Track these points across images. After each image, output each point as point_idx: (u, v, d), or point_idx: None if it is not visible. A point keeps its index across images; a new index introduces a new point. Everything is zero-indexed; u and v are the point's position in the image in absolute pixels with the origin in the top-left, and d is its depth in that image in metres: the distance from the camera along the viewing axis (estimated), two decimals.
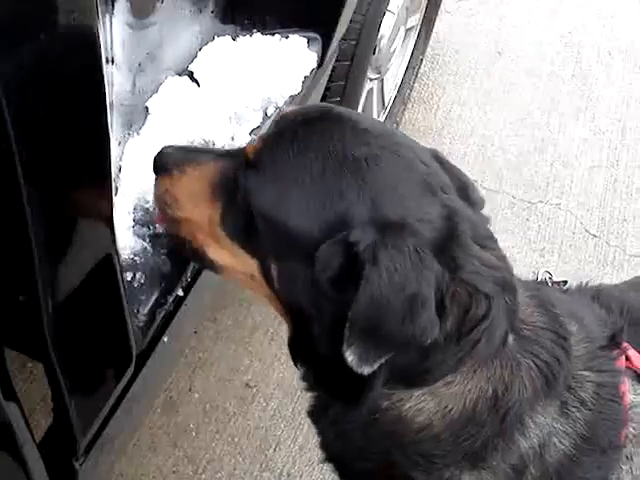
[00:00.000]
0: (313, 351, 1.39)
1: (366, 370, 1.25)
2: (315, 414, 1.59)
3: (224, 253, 1.46)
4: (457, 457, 1.42)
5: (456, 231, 1.33)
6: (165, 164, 1.50)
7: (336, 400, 1.46)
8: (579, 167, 3.74)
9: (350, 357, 1.23)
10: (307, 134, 1.37)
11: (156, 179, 1.52)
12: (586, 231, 3.48)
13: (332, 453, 1.62)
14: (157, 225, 1.63)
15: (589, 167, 3.74)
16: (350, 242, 1.25)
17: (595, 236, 3.46)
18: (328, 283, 1.28)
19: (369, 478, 1.56)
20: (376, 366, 1.25)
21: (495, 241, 1.43)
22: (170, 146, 1.54)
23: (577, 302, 1.67)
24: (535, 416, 1.44)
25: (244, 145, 1.51)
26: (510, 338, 1.42)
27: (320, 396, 1.55)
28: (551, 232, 3.46)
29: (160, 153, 1.52)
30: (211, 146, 1.79)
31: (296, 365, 1.50)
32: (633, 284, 2.06)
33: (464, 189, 1.44)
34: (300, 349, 1.46)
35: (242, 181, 1.39)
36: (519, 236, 3.42)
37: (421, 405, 1.39)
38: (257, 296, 1.50)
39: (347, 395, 1.40)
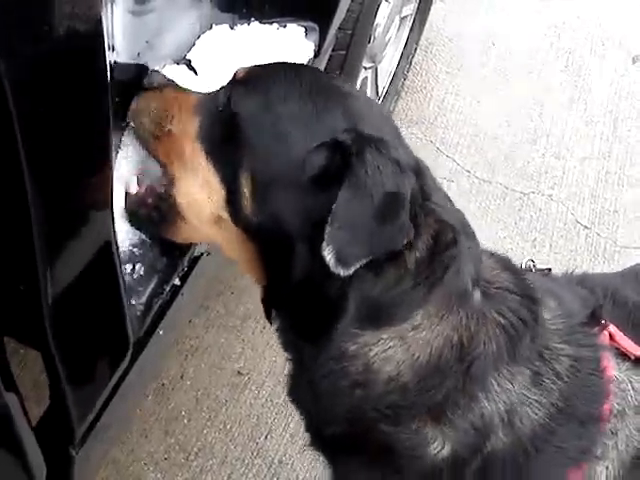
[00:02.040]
0: (287, 289, 1.42)
1: (342, 270, 1.28)
2: (292, 381, 1.62)
3: (193, 181, 1.48)
4: (421, 409, 1.44)
5: (423, 170, 1.45)
6: (154, 81, 1.58)
7: (307, 342, 1.47)
8: (571, 158, 3.75)
9: (328, 255, 1.27)
10: (298, 67, 1.56)
11: (141, 93, 1.57)
12: (577, 222, 3.50)
13: (311, 424, 1.63)
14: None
15: (581, 158, 3.76)
16: (337, 141, 1.34)
17: (586, 227, 3.48)
18: (311, 183, 1.34)
19: (341, 444, 1.57)
20: (352, 269, 1.28)
21: (452, 202, 1.52)
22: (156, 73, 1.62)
23: (558, 284, 1.70)
24: (500, 380, 1.46)
25: None
26: (477, 293, 1.45)
27: (294, 349, 1.55)
28: (543, 223, 3.47)
29: (151, 73, 1.59)
30: None
31: (269, 318, 1.53)
32: (622, 272, 2.08)
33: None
34: (274, 291, 1.48)
35: (228, 92, 1.46)
36: (511, 226, 3.43)
37: (389, 353, 1.40)
38: (223, 247, 1.53)
39: (318, 330, 1.42)
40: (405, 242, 1.33)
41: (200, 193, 1.48)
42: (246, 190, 1.40)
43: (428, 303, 1.40)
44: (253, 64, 1.52)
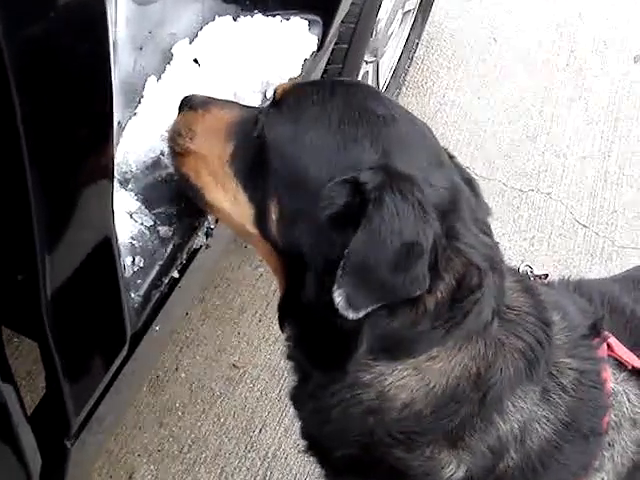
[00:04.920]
0: (303, 307, 1.40)
1: (351, 314, 1.25)
2: (296, 393, 1.59)
3: (223, 197, 1.47)
4: (437, 435, 1.43)
5: (457, 204, 1.37)
6: (191, 103, 1.55)
7: (317, 369, 1.46)
8: (571, 157, 3.75)
9: (338, 298, 1.24)
10: (335, 87, 1.45)
11: (178, 114, 1.56)
12: (576, 221, 3.49)
13: (312, 438, 1.62)
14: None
15: (581, 157, 3.75)
16: (358, 181, 1.29)
17: (585, 226, 3.48)
18: (329, 221, 1.31)
19: (349, 466, 1.55)
20: (362, 313, 1.25)
21: (490, 229, 1.46)
22: (199, 95, 1.60)
23: (559, 293, 1.69)
24: (515, 400, 1.45)
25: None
26: (495, 322, 1.43)
27: (301, 367, 1.53)
28: (541, 221, 3.47)
29: (189, 95, 1.57)
30: None
31: (282, 327, 1.50)
32: (617, 277, 2.08)
33: (469, 183, 1.47)
34: (290, 305, 1.45)
35: (262, 117, 1.43)
36: (509, 224, 3.43)
37: (403, 381, 1.39)
38: (253, 246, 1.52)
39: (330, 359, 1.41)
40: (418, 293, 1.28)
41: (229, 206, 1.47)
42: (273, 215, 1.39)
43: (446, 342, 1.38)
44: (292, 81, 1.51)
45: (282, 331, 1.51)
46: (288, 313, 1.48)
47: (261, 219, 1.41)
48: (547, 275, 1.78)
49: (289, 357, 1.55)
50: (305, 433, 1.64)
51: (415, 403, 1.40)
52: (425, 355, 1.38)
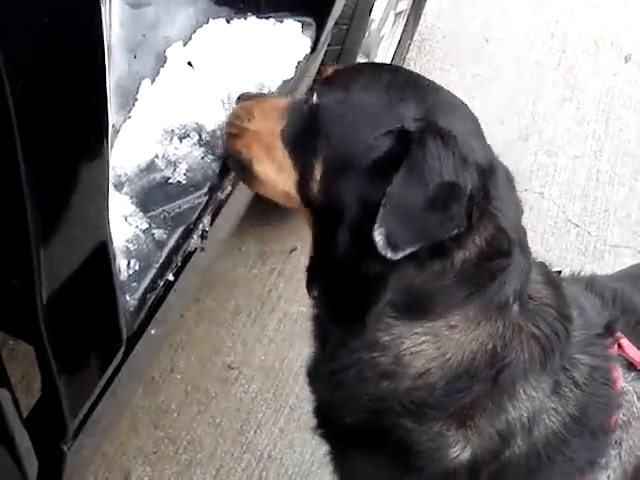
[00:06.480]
0: (331, 265, 1.46)
1: (390, 254, 1.29)
2: (313, 363, 1.62)
3: (270, 167, 1.57)
4: (447, 411, 1.46)
5: (494, 175, 1.42)
6: (249, 95, 1.72)
7: (338, 322, 1.50)
8: (563, 156, 3.76)
9: (378, 237, 1.29)
10: (382, 65, 1.73)
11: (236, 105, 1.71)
12: (568, 220, 3.50)
13: (323, 411, 1.64)
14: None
15: (573, 157, 3.76)
16: (403, 129, 1.37)
17: (577, 225, 3.49)
18: (373, 167, 1.37)
19: (357, 436, 1.57)
20: (400, 254, 1.30)
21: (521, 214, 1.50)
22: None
23: (576, 290, 1.71)
24: (527, 388, 1.48)
25: None
26: (516, 306, 1.45)
27: (321, 328, 1.58)
28: (533, 220, 3.47)
29: (246, 92, 1.74)
30: (202, 130, 1.79)
31: (309, 289, 1.55)
32: (625, 274, 2.09)
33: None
34: (319, 265, 1.52)
35: (315, 89, 1.55)
36: None
37: (420, 347, 1.41)
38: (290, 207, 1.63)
39: (351, 312, 1.45)
40: (454, 233, 1.32)
41: (275, 175, 1.57)
42: (317, 174, 1.46)
43: (467, 306, 1.41)
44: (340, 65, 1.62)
45: (309, 293, 1.56)
46: (316, 273, 1.54)
47: (303, 182, 1.49)
48: (560, 271, 1.79)
49: (312, 318, 1.60)
50: (317, 408, 1.66)
51: (430, 374, 1.43)
52: (444, 321, 1.41)
